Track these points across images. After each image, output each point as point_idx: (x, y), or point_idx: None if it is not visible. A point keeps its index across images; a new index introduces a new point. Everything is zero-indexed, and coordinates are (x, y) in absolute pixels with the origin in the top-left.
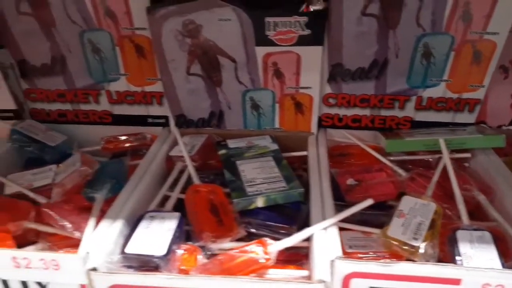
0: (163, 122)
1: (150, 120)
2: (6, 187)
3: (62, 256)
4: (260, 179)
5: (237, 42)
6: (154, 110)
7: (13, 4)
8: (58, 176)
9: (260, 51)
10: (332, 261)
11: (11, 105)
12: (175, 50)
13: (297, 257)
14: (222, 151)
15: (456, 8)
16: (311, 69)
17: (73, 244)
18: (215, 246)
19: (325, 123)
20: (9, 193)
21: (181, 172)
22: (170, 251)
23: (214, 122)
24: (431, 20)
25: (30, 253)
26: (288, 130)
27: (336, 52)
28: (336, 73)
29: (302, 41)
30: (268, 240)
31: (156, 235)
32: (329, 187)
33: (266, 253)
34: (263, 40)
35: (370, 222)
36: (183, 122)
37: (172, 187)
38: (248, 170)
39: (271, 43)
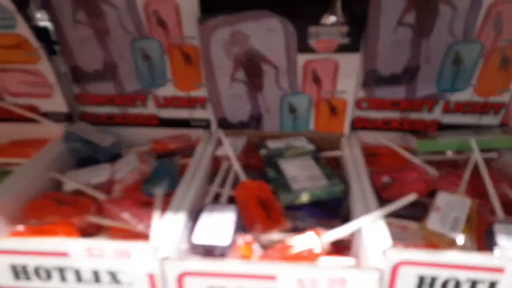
0: (204, 125)
1: (192, 123)
2: (65, 185)
3: (134, 246)
4: (303, 176)
5: (281, 50)
6: (197, 113)
7: (70, 13)
8: (117, 174)
9: (301, 58)
10: (384, 250)
11: (63, 108)
12: (222, 58)
13: (337, 248)
14: (263, 151)
15: (488, 18)
16: (347, 75)
17: (132, 236)
18: (265, 238)
19: (356, 125)
20: (68, 190)
21: (227, 170)
22: (233, 240)
23: (253, 124)
24: (463, 29)
25: (104, 243)
26: (321, 132)
27: (371, 58)
28: (370, 78)
29: (341, 48)
30: (322, 231)
31: (218, 226)
32: (369, 184)
33: (320, 242)
34: (304, 48)
35: (404, 217)
36: (224, 125)
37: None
38: (290, 168)
39: (312, 51)
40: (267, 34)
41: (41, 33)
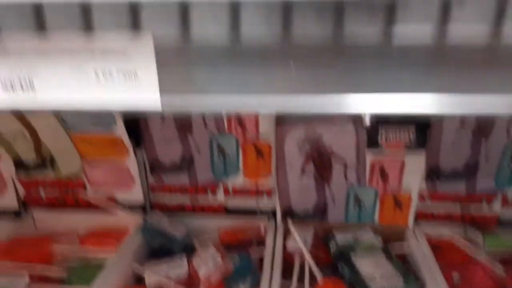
0: (269, 214)
1: (258, 212)
2: (146, 278)
3: None
4: (378, 275)
5: (351, 148)
6: (263, 203)
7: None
8: (200, 269)
9: (370, 156)
10: None
11: (140, 198)
12: (294, 154)
13: None
14: (332, 245)
15: None
16: (413, 171)
17: None
18: None
19: (418, 217)
20: (149, 283)
21: (301, 266)
22: None
23: (318, 214)
24: None
25: None
26: (385, 224)
27: (434, 156)
28: (433, 173)
29: (408, 148)
30: None
31: None
32: (445, 283)
33: None
34: (374, 146)
35: None
36: (289, 214)
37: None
38: (364, 265)
39: (381, 149)
40: (339, 133)
41: (131, 129)
